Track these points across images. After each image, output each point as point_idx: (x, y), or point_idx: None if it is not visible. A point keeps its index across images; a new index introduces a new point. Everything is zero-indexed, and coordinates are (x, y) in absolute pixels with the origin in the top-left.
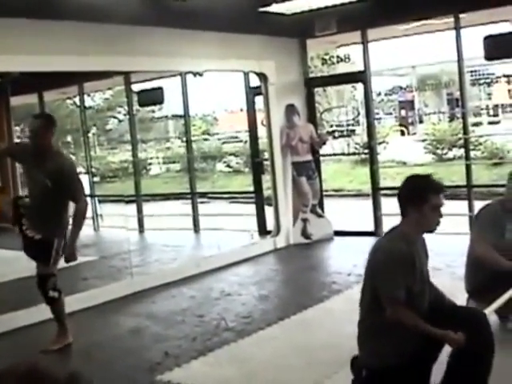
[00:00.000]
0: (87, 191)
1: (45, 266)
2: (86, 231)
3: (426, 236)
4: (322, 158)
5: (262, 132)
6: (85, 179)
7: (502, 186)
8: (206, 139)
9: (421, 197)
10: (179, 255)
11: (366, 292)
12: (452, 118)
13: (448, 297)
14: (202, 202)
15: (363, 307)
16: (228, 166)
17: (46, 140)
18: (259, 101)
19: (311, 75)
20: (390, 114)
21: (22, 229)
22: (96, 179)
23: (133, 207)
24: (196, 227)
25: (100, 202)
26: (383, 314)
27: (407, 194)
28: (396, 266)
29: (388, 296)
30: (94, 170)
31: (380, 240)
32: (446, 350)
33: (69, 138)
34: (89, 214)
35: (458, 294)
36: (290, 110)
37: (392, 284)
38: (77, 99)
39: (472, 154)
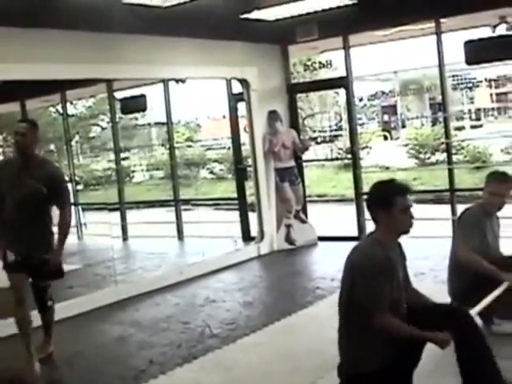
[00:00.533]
0: (71, 199)
1: (47, 280)
2: (70, 239)
3: (409, 240)
4: (304, 164)
5: (244, 138)
6: (68, 187)
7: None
8: (189, 146)
9: (388, 201)
10: (163, 262)
11: (343, 298)
12: (434, 123)
13: (427, 297)
14: (185, 209)
15: (341, 313)
16: (211, 172)
17: (34, 144)
18: (242, 107)
19: (293, 81)
20: (373, 119)
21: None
22: (79, 187)
23: (116, 215)
24: (180, 234)
25: (84, 210)
26: (363, 320)
27: (375, 201)
28: (376, 273)
29: (374, 305)
30: (77, 178)
31: (356, 247)
32: (426, 353)
33: (52, 147)
34: (73, 222)
35: (441, 298)
36: (273, 116)
37: (376, 293)
38: (59, 107)
39: (454, 158)
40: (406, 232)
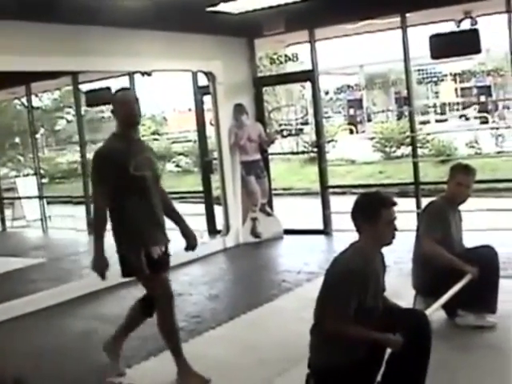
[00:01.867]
0: (36, 193)
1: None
2: (35, 233)
3: None
4: (270, 157)
5: (210, 132)
6: (33, 180)
7: (447, 182)
8: (155, 139)
9: (373, 212)
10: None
11: (319, 301)
12: (400, 117)
13: (390, 299)
14: None
15: (316, 315)
16: (177, 165)
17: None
18: (208, 100)
19: (260, 74)
20: (339, 112)
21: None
22: (44, 180)
23: (82, 208)
24: None
25: (49, 203)
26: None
27: (360, 212)
28: (347, 282)
29: (332, 310)
30: (42, 171)
31: (338, 256)
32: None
33: (17, 139)
34: (37, 215)
35: (405, 291)
36: (239, 109)
37: (340, 300)
38: (25, 100)
39: (419, 151)
40: (389, 244)
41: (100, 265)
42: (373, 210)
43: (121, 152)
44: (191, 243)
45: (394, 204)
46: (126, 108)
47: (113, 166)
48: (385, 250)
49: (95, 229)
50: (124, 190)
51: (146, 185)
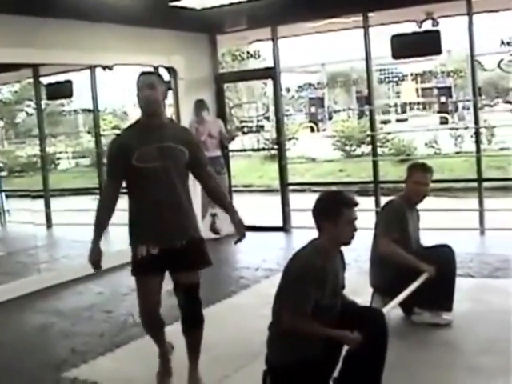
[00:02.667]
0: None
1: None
2: None
3: None
4: (231, 154)
5: None
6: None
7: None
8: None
9: (335, 212)
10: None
11: (277, 297)
12: (361, 116)
13: (348, 297)
14: None
15: (274, 312)
16: None
17: (163, 100)
18: (169, 96)
19: (221, 71)
20: (300, 110)
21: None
22: (3, 174)
23: (40, 202)
24: None
25: (7, 196)
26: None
27: (322, 210)
28: (305, 278)
29: (289, 306)
30: (1, 164)
31: (297, 252)
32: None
33: None
34: None
35: (364, 289)
36: (200, 105)
37: (297, 296)
38: None
39: (379, 150)
40: (348, 243)
41: (91, 256)
42: (334, 209)
43: (129, 141)
44: (239, 233)
45: (356, 204)
46: (141, 93)
47: (119, 157)
48: (344, 248)
49: (95, 219)
50: (129, 182)
51: (151, 178)
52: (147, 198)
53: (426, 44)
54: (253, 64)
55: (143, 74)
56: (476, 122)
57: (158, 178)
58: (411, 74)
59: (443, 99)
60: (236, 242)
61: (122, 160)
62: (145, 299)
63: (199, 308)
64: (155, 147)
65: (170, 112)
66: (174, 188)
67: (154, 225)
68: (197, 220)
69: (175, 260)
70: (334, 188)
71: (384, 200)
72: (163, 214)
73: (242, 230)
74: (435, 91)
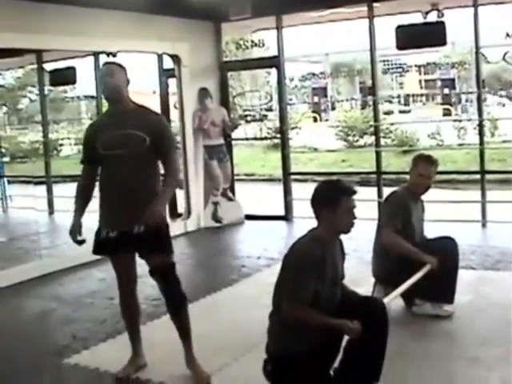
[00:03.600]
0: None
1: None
2: None
3: None
4: (234, 142)
5: (174, 115)
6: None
7: (409, 172)
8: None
9: (333, 200)
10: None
11: (277, 286)
12: (364, 106)
13: (348, 287)
14: None
15: (274, 301)
16: None
17: (125, 88)
18: (172, 83)
19: (225, 59)
20: (304, 100)
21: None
22: (5, 159)
23: (43, 188)
24: None
25: (9, 182)
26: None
27: (320, 199)
28: (305, 268)
29: (289, 295)
30: (3, 150)
31: (296, 241)
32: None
33: None
34: None
35: (365, 279)
36: (203, 93)
37: (297, 285)
38: None
39: (382, 141)
40: (347, 232)
41: (71, 231)
42: (333, 198)
43: (97, 128)
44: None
45: (354, 192)
46: (102, 81)
47: (89, 145)
48: (345, 237)
49: (74, 199)
50: (100, 168)
51: (113, 165)
52: (109, 184)
53: (430, 35)
54: (257, 53)
55: (105, 63)
56: (479, 114)
57: (117, 165)
58: (415, 65)
59: (446, 91)
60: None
61: (91, 146)
62: (119, 282)
63: (176, 288)
64: (116, 134)
65: (173, 100)
66: (132, 175)
67: (113, 209)
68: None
69: (139, 245)
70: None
71: (386, 191)
72: (121, 200)
73: (150, 216)
74: (439, 83)
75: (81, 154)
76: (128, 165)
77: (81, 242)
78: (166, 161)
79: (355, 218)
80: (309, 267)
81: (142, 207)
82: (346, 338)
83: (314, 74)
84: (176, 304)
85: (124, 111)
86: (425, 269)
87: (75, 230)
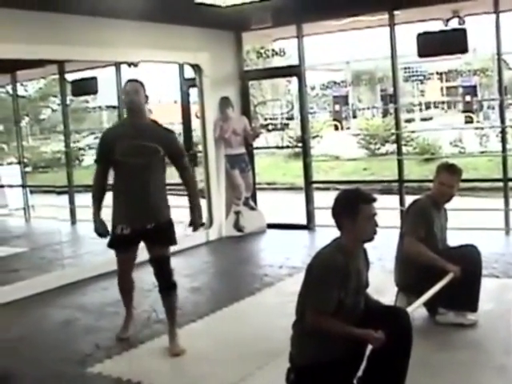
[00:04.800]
0: (19, 181)
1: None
2: (17, 222)
3: None
4: (255, 151)
5: (195, 124)
6: (16, 169)
7: (432, 181)
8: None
9: (353, 209)
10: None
11: (301, 296)
12: (385, 114)
13: (372, 296)
14: None
15: (298, 310)
16: None
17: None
18: (193, 93)
19: (246, 68)
20: (325, 108)
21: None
22: (28, 169)
23: (65, 198)
24: None
25: (32, 192)
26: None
27: (340, 208)
28: (329, 277)
29: (313, 304)
30: (26, 160)
31: (320, 251)
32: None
33: (1, 127)
34: (20, 204)
35: (388, 288)
36: (224, 102)
37: (321, 295)
38: (9, 88)
39: (404, 149)
40: (370, 240)
41: (97, 227)
42: (352, 206)
43: (115, 136)
44: (193, 222)
45: (374, 200)
46: (127, 98)
47: (106, 149)
48: (368, 246)
49: (91, 198)
50: (114, 171)
51: (129, 171)
52: (125, 187)
53: (452, 42)
54: (277, 62)
55: (129, 81)
56: (502, 121)
57: (133, 171)
58: (436, 73)
59: (468, 98)
60: (191, 227)
61: (107, 151)
62: (121, 266)
63: (169, 276)
64: (134, 144)
65: (195, 109)
66: (146, 180)
67: (128, 210)
68: (167, 206)
69: (146, 238)
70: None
71: (409, 199)
72: (135, 202)
73: (196, 220)
74: (460, 90)
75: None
76: (143, 172)
77: (106, 235)
78: (179, 165)
79: (377, 225)
80: (332, 277)
81: (153, 208)
82: (369, 347)
83: (335, 82)
84: (168, 289)
85: (142, 124)
86: (448, 277)
87: (100, 226)
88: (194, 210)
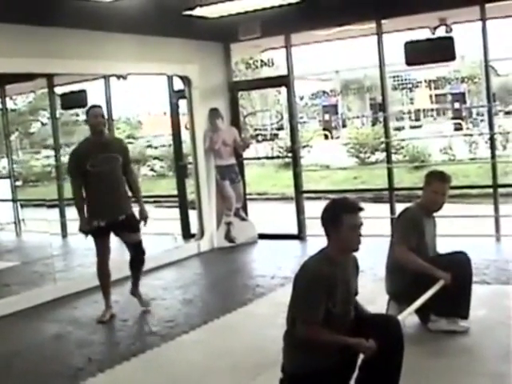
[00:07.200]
0: (9, 195)
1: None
2: (8, 236)
3: None
4: (245, 162)
5: (185, 136)
6: (6, 183)
7: (422, 188)
8: (130, 143)
9: (337, 218)
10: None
11: (290, 306)
12: (374, 123)
13: (362, 305)
14: None
15: (288, 320)
16: (152, 169)
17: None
18: (183, 104)
19: (235, 79)
20: (314, 118)
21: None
22: (18, 183)
23: (56, 211)
24: None
25: (22, 206)
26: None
27: (325, 217)
28: (315, 287)
29: (301, 315)
30: (16, 173)
31: (306, 261)
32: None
33: None
34: (11, 218)
35: (378, 296)
36: (214, 113)
37: (308, 305)
38: None
39: (394, 157)
40: (355, 250)
41: (82, 225)
42: (336, 215)
43: (84, 152)
44: (142, 218)
45: (359, 209)
46: (92, 120)
47: (79, 163)
48: (359, 254)
49: (75, 204)
50: (86, 178)
51: (100, 177)
52: (98, 190)
53: (439, 50)
54: (266, 72)
55: (93, 106)
56: (491, 127)
57: (104, 177)
58: (425, 81)
59: (457, 105)
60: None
61: (80, 165)
62: (100, 254)
63: (141, 256)
64: (102, 156)
65: (184, 121)
66: (114, 182)
67: (102, 207)
68: (130, 201)
69: (118, 227)
70: (348, 195)
71: (399, 207)
72: (108, 200)
73: (144, 210)
74: (449, 97)
75: None
76: (111, 176)
77: (88, 233)
78: (127, 170)
79: (360, 235)
80: (318, 287)
81: (122, 204)
82: (361, 356)
83: (324, 92)
84: (139, 264)
85: (104, 140)
86: (438, 285)
87: (85, 225)
88: (141, 202)
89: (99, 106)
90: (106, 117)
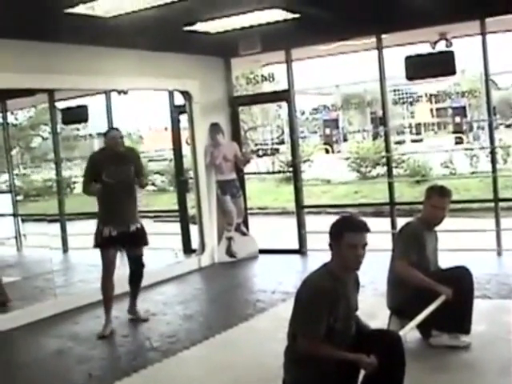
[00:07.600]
0: (10, 210)
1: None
2: (9, 251)
3: None
4: (246, 177)
5: (186, 151)
6: (8, 198)
7: (422, 203)
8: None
9: (338, 235)
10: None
11: (291, 321)
12: (375, 137)
13: (363, 320)
14: None
15: (289, 336)
16: (153, 184)
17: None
18: (184, 119)
19: (236, 94)
20: (315, 132)
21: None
22: (19, 198)
23: (56, 226)
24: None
25: (23, 221)
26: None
27: (331, 232)
28: (317, 301)
29: (302, 329)
30: (17, 188)
31: (308, 276)
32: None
33: None
34: (11, 233)
35: (379, 311)
36: (215, 128)
37: (309, 320)
38: (0, 117)
39: (395, 171)
40: (355, 268)
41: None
42: (338, 232)
43: (100, 160)
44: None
45: (361, 229)
46: (111, 141)
47: (93, 169)
48: (361, 269)
49: (83, 191)
50: (101, 188)
51: (114, 188)
52: (111, 200)
53: (440, 65)
54: (267, 87)
55: (111, 129)
56: (491, 141)
57: (117, 188)
58: (425, 95)
59: (458, 119)
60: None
61: (95, 172)
62: (106, 265)
63: (141, 270)
64: (116, 168)
65: (185, 136)
66: (127, 194)
67: (115, 217)
68: (139, 213)
69: (128, 239)
70: (349, 210)
71: (400, 221)
72: (121, 210)
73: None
74: (450, 111)
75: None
76: (124, 187)
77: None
78: (140, 175)
79: (360, 255)
80: (320, 302)
81: (133, 215)
82: (362, 372)
83: (324, 106)
84: (138, 278)
85: (119, 153)
86: (440, 300)
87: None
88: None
89: (117, 129)
90: (121, 141)
